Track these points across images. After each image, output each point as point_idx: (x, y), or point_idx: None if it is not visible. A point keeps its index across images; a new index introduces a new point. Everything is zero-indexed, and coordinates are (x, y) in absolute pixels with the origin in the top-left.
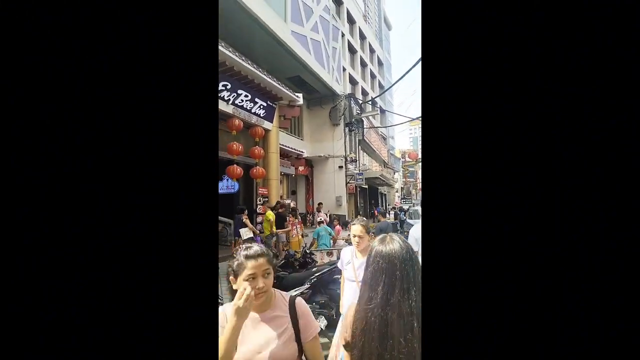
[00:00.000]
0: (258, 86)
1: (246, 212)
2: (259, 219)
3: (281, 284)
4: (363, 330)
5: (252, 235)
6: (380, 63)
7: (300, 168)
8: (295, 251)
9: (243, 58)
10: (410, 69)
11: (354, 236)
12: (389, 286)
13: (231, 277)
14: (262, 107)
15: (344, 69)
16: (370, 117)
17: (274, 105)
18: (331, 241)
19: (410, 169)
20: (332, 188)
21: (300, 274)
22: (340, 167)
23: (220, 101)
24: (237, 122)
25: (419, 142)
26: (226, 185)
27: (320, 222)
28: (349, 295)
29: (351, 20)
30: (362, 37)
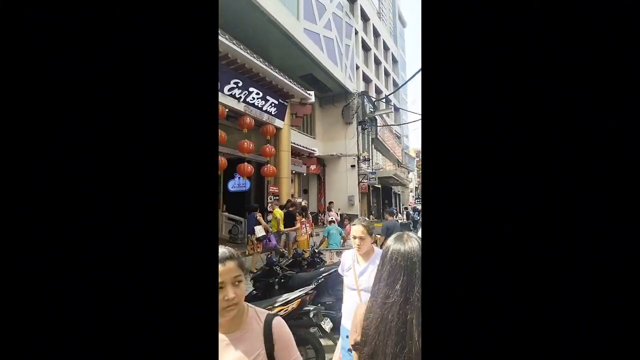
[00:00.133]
0: (269, 84)
1: (258, 209)
2: (269, 217)
3: (288, 284)
4: (377, 328)
5: (265, 233)
6: (394, 60)
7: (312, 167)
8: (304, 250)
9: (254, 55)
10: None
11: (354, 238)
12: (409, 285)
13: None
14: (273, 105)
15: (357, 67)
16: (384, 115)
17: (285, 103)
18: (341, 240)
19: None
20: (345, 187)
21: (307, 274)
22: (353, 166)
23: (231, 99)
24: (248, 120)
25: None
26: (238, 184)
27: (331, 222)
28: (350, 305)
29: (365, 18)
30: (376, 34)
